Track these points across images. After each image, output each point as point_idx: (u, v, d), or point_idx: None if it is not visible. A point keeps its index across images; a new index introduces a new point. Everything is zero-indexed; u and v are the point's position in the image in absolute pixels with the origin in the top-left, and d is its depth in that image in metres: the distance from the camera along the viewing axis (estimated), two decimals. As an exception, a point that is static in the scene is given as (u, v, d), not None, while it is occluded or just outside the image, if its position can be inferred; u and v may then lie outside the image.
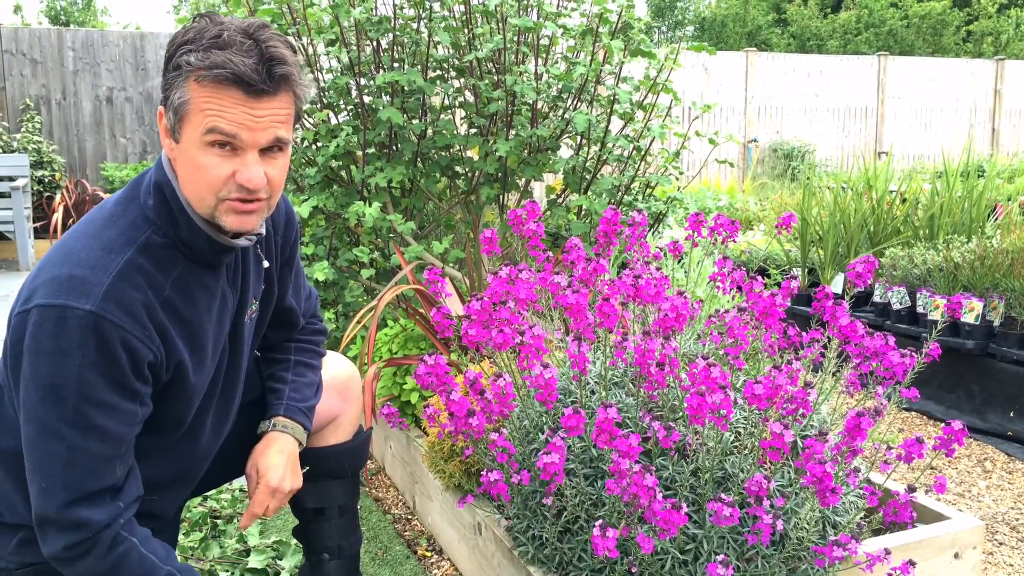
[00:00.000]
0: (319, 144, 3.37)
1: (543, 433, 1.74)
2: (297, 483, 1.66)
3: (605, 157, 3.48)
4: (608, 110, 3.43)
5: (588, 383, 1.82)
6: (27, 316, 1.29)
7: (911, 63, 13.43)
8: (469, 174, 3.70)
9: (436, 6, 3.36)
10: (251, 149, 1.33)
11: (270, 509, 1.63)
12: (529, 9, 3.40)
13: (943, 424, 1.56)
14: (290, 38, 3.27)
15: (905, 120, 13.27)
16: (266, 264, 1.61)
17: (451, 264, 3.31)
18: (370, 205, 3.06)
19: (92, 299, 1.28)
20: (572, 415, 1.48)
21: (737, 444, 1.66)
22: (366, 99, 3.31)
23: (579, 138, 3.57)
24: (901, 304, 3.77)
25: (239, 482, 2.82)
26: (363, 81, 3.30)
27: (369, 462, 3.10)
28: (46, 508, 1.30)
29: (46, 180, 8.45)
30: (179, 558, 2.18)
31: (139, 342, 1.32)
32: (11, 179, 7.64)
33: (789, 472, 1.68)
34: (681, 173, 3.78)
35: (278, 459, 1.63)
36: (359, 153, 3.34)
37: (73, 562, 1.32)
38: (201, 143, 1.31)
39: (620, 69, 3.48)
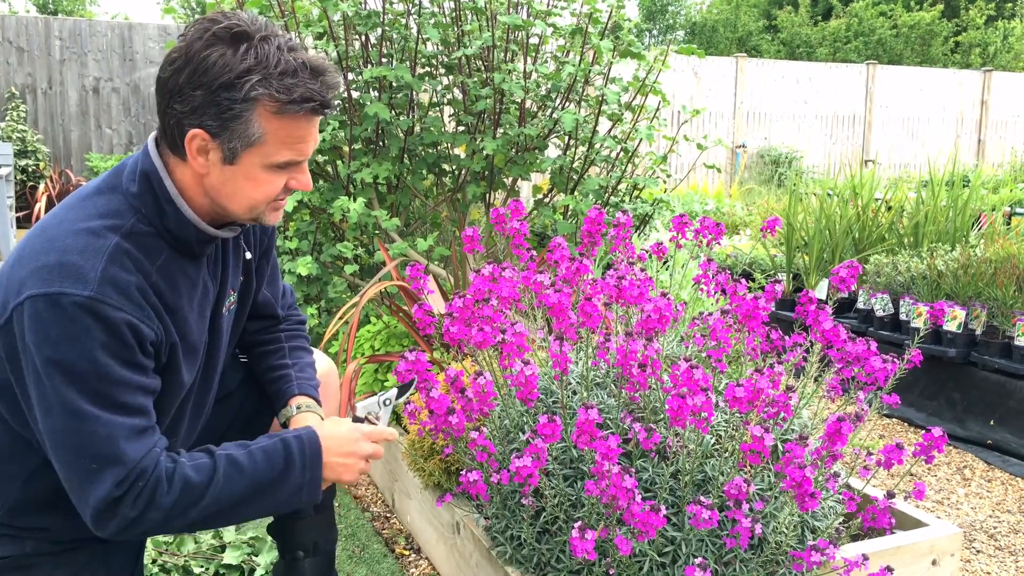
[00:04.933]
0: (305, 138, 3.35)
1: (523, 433, 1.73)
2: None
3: (592, 157, 3.48)
4: (596, 111, 3.43)
5: (569, 383, 1.81)
6: (21, 310, 1.26)
7: (899, 72, 13.52)
8: (456, 172, 3.68)
9: (425, 2, 3.34)
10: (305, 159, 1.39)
11: None
12: (519, 7, 3.40)
13: (923, 431, 1.56)
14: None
15: (892, 129, 13.35)
16: (248, 255, 1.60)
17: (436, 262, 3.30)
18: (355, 201, 3.04)
19: (89, 285, 1.25)
20: (547, 424, 1.47)
21: (718, 447, 1.65)
22: (353, 94, 3.29)
23: (567, 138, 3.57)
24: (884, 311, 3.78)
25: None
26: (351, 76, 3.28)
27: (349, 459, 3.08)
28: (100, 489, 1.27)
29: (30, 169, 8.37)
30: (152, 553, 2.16)
31: (140, 322, 1.30)
32: (-6, 167, 7.56)
33: (769, 476, 1.67)
34: (668, 176, 3.78)
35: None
36: (345, 148, 3.32)
37: (142, 518, 1.29)
38: (267, 166, 1.35)
39: (609, 70, 3.48)
